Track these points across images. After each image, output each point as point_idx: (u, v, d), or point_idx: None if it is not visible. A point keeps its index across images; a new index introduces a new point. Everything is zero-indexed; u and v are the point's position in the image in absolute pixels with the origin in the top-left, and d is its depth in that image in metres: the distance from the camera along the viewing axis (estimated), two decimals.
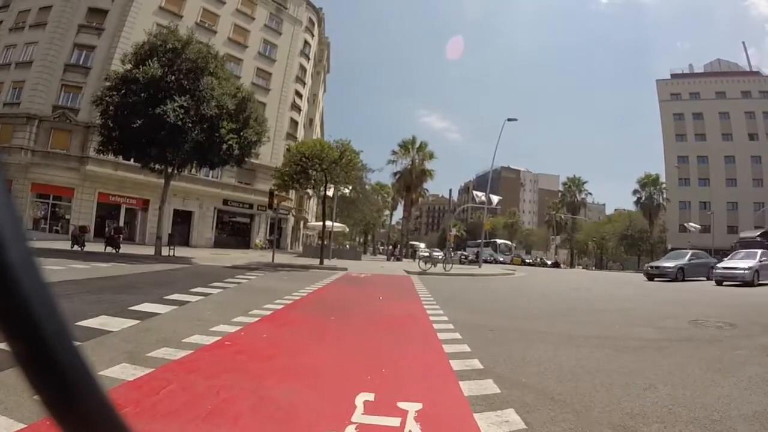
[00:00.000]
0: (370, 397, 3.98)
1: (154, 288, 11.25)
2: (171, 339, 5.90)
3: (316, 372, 4.87)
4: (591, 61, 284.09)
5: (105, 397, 0.55)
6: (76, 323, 6.50)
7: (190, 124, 21.42)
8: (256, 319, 7.73)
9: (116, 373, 4.38)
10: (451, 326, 7.85)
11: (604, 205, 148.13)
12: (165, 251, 24.56)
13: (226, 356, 5.37)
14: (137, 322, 6.99)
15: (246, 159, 25.86)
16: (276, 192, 25.82)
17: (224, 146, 22.68)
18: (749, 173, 73.97)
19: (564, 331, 8.16)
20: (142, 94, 21.43)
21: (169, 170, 24.60)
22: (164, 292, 10.23)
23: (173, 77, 22.04)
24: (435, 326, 7.86)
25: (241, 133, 23.44)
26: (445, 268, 25.91)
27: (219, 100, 22.31)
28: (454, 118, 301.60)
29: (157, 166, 24.51)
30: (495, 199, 45.64)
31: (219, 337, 6.15)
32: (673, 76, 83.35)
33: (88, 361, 0.53)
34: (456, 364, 5.29)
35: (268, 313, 8.43)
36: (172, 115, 20.83)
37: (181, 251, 27.50)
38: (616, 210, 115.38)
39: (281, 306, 9.35)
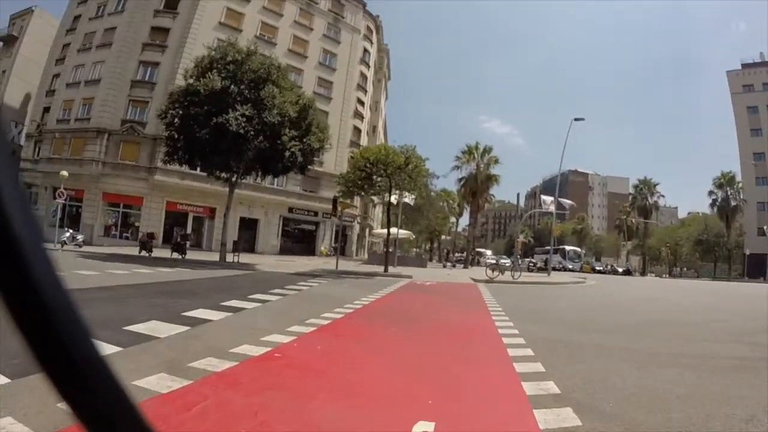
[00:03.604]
0: (430, 427, 3.39)
1: (213, 294, 11.05)
2: (218, 348, 5.49)
3: (370, 392, 4.34)
4: (648, 56, 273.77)
5: (136, 409, 0.56)
6: (125, 328, 6.31)
7: (252, 133, 21.58)
8: (313, 329, 7.27)
9: (151, 384, 4.00)
10: (521, 340, 7.18)
11: (676, 208, 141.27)
12: (230, 258, 24.71)
13: (272, 370, 4.88)
14: (187, 328, 6.69)
15: (309, 166, 25.90)
16: (340, 199, 25.54)
17: (287, 153, 22.72)
18: None
19: (647, 348, 7.40)
20: (205, 106, 21.82)
21: (233, 178, 24.84)
22: (221, 298, 9.98)
23: (235, 88, 22.29)
24: (504, 340, 7.19)
25: (304, 140, 23.46)
26: (513, 276, 25.06)
27: (280, 108, 22.38)
28: (516, 122, 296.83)
29: (222, 175, 24.83)
30: (567, 203, 43.85)
31: (269, 348, 5.70)
32: (744, 66, 77.59)
33: (114, 370, 0.53)
34: (529, 387, 4.63)
35: (326, 322, 7.96)
36: (234, 123, 21.05)
37: (246, 258, 27.62)
38: (689, 213, 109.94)
39: (341, 315, 8.88)
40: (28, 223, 0.47)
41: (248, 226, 42.99)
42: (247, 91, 22.50)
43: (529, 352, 6.36)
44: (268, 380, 4.48)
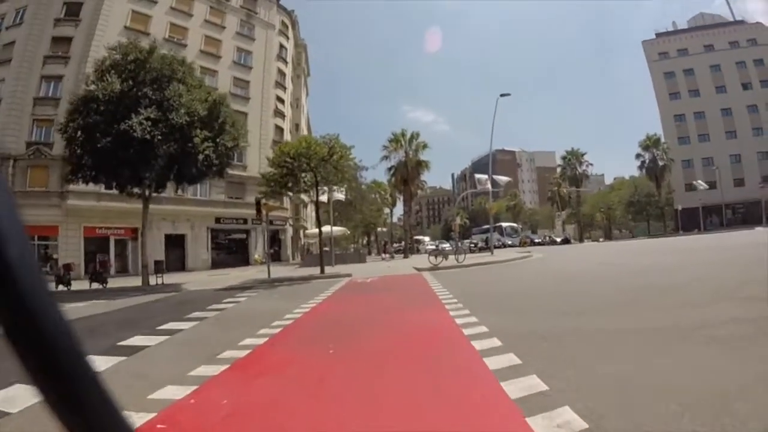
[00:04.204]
0: None
1: (116, 331, 9.04)
2: None
3: None
4: (565, 32, 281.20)
5: (124, 419, 0.56)
6: None
7: (159, 137, 19.45)
8: (224, 367, 5.55)
9: None
10: (496, 341, 5.75)
11: (602, 175, 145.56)
12: (154, 280, 22.63)
13: None
14: None
15: (226, 169, 23.82)
16: (264, 201, 23.56)
17: (200, 157, 20.65)
18: (748, 123, 73.20)
19: (645, 325, 6.24)
20: (105, 112, 19.64)
21: (147, 192, 22.69)
22: (123, 336, 8.11)
23: (137, 90, 20.28)
24: (475, 344, 5.73)
25: (217, 141, 21.43)
26: (457, 260, 24.16)
27: (189, 106, 20.34)
28: (440, 110, 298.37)
29: (134, 190, 22.61)
30: (503, 179, 43.34)
31: (152, 415, 3.96)
32: (658, 35, 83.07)
33: (112, 393, 0.54)
34: (539, 424, 3.16)
35: (243, 354, 6.22)
36: (138, 128, 18.92)
37: (174, 277, 25.91)
38: (615, 179, 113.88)
39: (264, 339, 7.17)
40: (19, 242, 0.47)
41: (175, 242, 40.49)
42: (150, 92, 20.36)
43: (513, 358, 4.93)
44: None
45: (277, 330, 7.92)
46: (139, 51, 21.39)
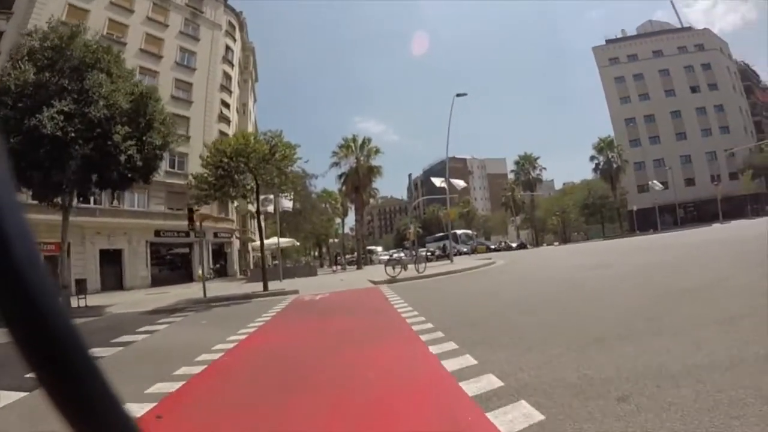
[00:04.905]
0: None
1: None
2: None
3: None
4: (513, 42, 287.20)
5: (130, 420, 0.56)
6: None
7: (73, 134, 16.60)
8: None
9: None
10: (527, 408, 3.47)
11: (552, 180, 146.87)
12: (76, 302, 19.98)
13: None
14: None
15: (155, 173, 20.78)
16: (197, 209, 20.53)
17: (122, 158, 17.77)
18: (696, 125, 76.00)
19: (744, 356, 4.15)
20: (17, 106, 16.90)
21: (67, 201, 19.94)
22: None
23: (55, 80, 17.61)
24: (493, 418, 3.38)
25: (144, 139, 18.63)
26: (418, 270, 22.34)
27: (109, 98, 17.55)
28: (390, 120, 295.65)
29: (57, 200, 19.80)
30: (460, 184, 41.41)
31: None
32: (608, 41, 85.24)
33: (114, 388, 0.53)
34: None
35: None
36: (48, 124, 16.07)
37: (105, 298, 23.85)
38: (565, 183, 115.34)
39: (149, 407, 4.62)
40: (25, 241, 0.48)
41: (111, 258, 36.90)
42: (67, 82, 17.59)
43: None
44: None
45: (178, 384, 5.42)
46: (59, 37, 18.63)
